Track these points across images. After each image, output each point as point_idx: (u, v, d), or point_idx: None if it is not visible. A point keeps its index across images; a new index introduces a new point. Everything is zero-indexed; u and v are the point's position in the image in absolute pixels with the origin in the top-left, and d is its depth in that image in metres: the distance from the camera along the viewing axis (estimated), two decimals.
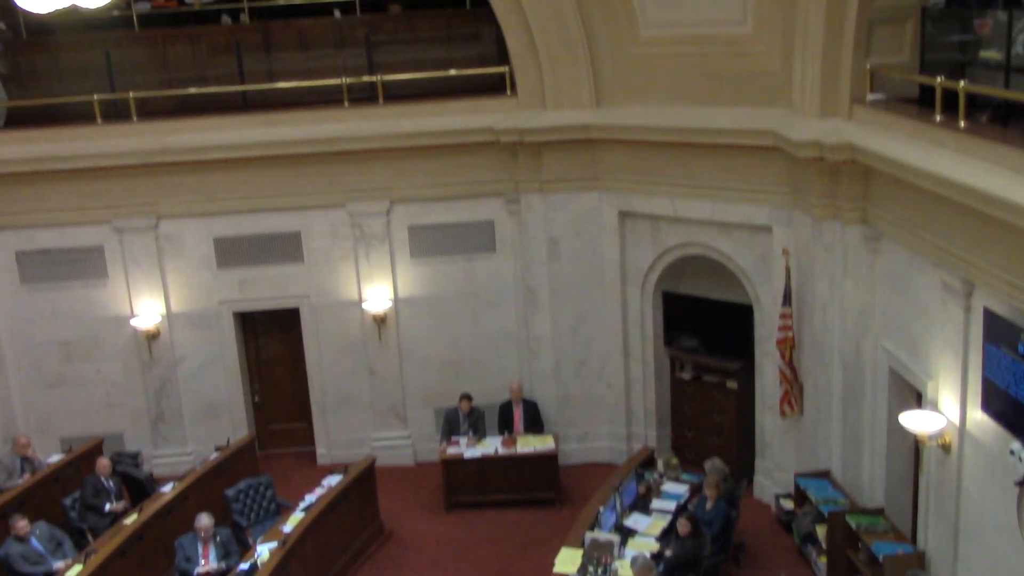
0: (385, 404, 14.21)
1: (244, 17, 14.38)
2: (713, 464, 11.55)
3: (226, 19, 14.47)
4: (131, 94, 13.28)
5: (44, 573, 10.76)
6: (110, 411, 14.21)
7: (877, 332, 10.49)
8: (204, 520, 10.70)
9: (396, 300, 13.87)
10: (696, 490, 11.64)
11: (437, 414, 14.05)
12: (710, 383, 13.33)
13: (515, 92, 13.11)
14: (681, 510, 11.17)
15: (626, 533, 10.87)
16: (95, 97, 13.24)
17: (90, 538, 11.63)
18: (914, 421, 9.13)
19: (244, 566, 10.31)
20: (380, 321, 13.80)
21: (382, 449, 14.06)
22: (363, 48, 13.81)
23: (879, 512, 10.54)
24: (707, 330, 13.41)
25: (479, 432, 13.34)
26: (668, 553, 10.37)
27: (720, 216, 12.06)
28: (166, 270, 13.74)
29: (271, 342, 14.60)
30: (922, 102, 9.66)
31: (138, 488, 12.68)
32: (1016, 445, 7.80)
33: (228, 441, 13.25)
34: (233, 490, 12.05)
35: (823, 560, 10.86)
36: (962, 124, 8.46)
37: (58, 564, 10.80)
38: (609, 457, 13.81)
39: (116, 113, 13.53)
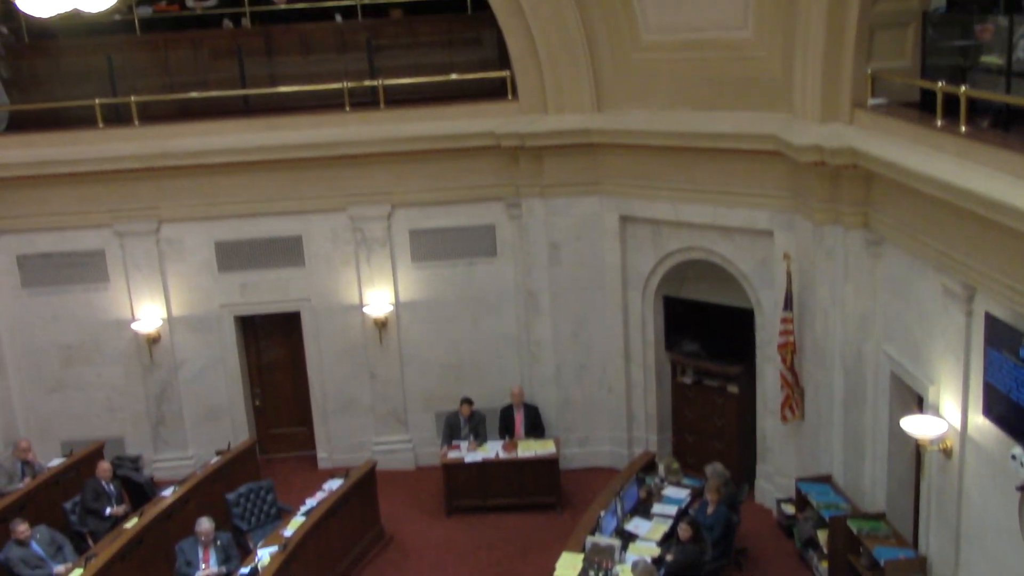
0: (386, 408, 14.21)
1: (246, 21, 14.40)
2: (714, 469, 11.54)
3: (228, 23, 14.49)
4: (133, 98, 13.30)
5: None
6: (111, 415, 14.21)
7: (878, 336, 10.49)
8: (205, 524, 10.69)
9: (397, 304, 13.87)
10: (697, 495, 11.63)
11: (438, 418, 14.05)
12: (711, 387, 13.32)
13: (516, 96, 13.12)
14: (682, 515, 11.15)
15: (627, 538, 10.86)
16: (97, 101, 13.24)
17: (90, 542, 11.62)
18: (915, 426, 9.12)
19: (245, 570, 10.29)
20: (381, 325, 13.80)
21: (383, 453, 14.06)
22: (364, 52, 13.82)
23: (880, 517, 10.53)
24: (708, 334, 13.40)
25: (480, 436, 13.33)
26: (669, 558, 10.35)
27: (721, 220, 12.06)
28: (167, 274, 13.74)
29: (272, 346, 14.60)
30: (923, 107, 9.66)
31: (139, 492, 12.67)
32: (1017, 450, 7.79)
33: (229, 445, 13.25)
34: (234, 494, 12.04)
35: (824, 565, 10.84)
36: (963, 129, 8.46)
37: (58, 568, 10.79)
38: (610, 461, 13.80)
39: (118, 117, 13.54)
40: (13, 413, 14.04)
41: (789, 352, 11.42)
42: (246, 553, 11.07)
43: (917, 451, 9.92)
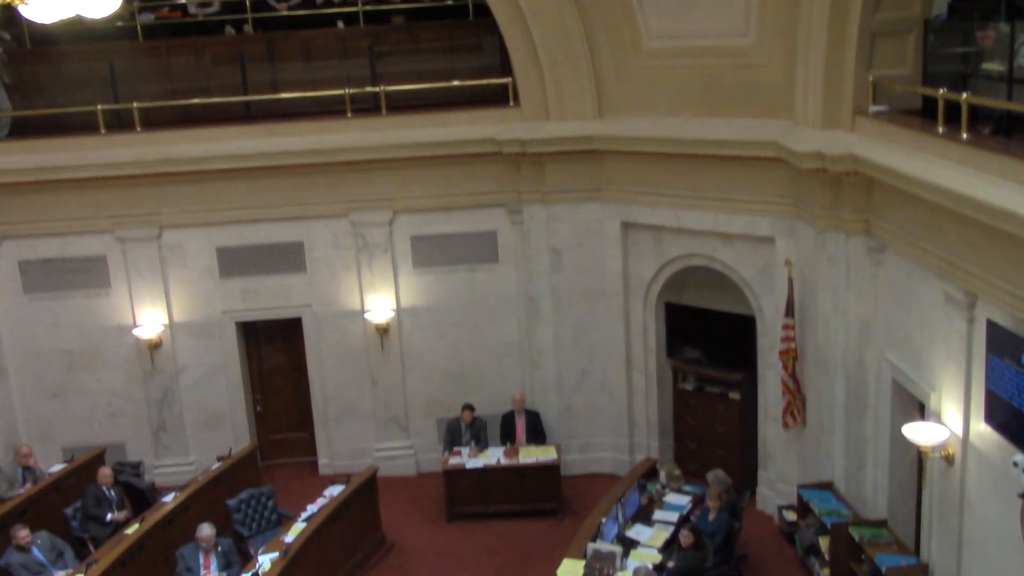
0: (387, 414, 14.20)
1: (248, 28, 14.42)
2: (715, 475, 11.53)
3: (230, 30, 14.52)
4: (135, 104, 13.32)
5: None
6: (112, 421, 14.21)
7: (880, 343, 10.48)
8: (205, 530, 10.69)
9: (398, 310, 13.87)
10: (698, 501, 11.62)
11: (439, 424, 14.04)
12: (712, 394, 13.32)
13: (518, 103, 13.14)
14: (683, 521, 11.15)
15: (628, 544, 10.85)
16: (99, 107, 13.27)
17: (91, 548, 11.61)
18: (917, 433, 9.11)
19: None
20: (382, 331, 13.80)
21: (384, 459, 14.05)
22: (366, 59, 13.85)
23: (882, 524, 10.52)
24: (710, 341, 13.40)
25: (481, 442, 13.32)
26: (670, 564, 10.34)
27: (723, 227, 12.07)
28: (168, 280, 13.75)
29: (273, 352, 14.60)
30: (925, 114, 9.68)
31: (140, 498, 12.68)
32: (1019, 457, 7.78)
33: (230, 451, 13.24)
34: (234, 500, 12.03)
35: (826, 572, 10.82)
36: (964, 136, 8.46)
37: (59, 574, 10.80)
38: (611, 468, 13.79)
39: (119, 123, 13.56)
40: (14, 418, 14.04)
41: (790, 359, 11.41)
42: (247, 559, 11.06)
43: (919, 458, 9.91)
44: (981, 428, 8.57)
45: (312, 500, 11.84)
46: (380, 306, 13.79)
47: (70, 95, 13.85)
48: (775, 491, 12.50)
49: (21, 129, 13.83)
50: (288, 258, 13.76)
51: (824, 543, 10.89)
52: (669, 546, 10.82)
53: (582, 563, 10.29)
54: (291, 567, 10.29)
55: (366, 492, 12.30)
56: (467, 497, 12.97)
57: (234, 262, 13.75)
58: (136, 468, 13.36)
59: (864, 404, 10.80)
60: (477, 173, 13.34)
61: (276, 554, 10.42)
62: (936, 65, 9.79)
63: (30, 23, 11.67)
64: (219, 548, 10.78)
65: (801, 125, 10.79)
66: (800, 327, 11.37)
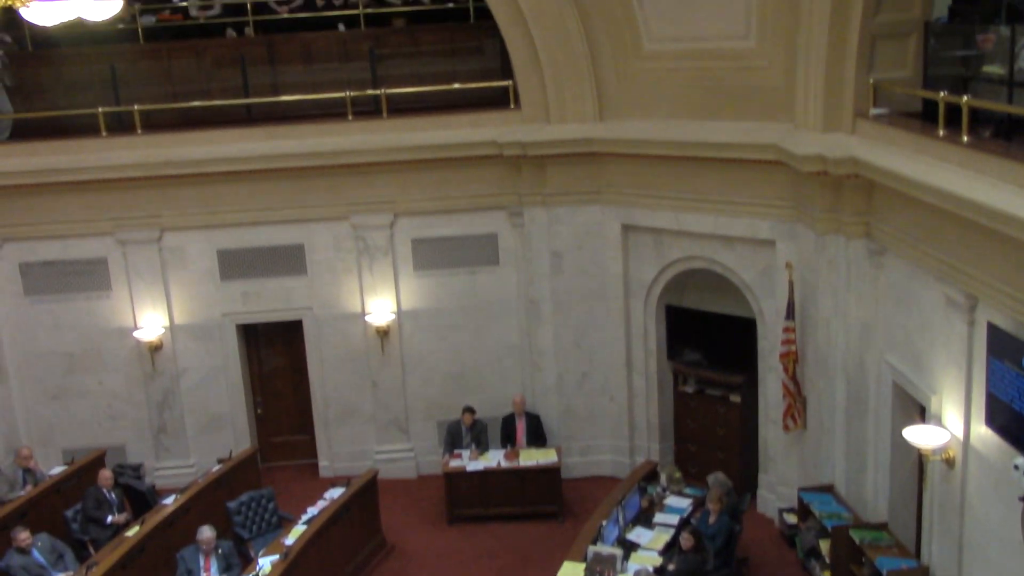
0: (388, 417, 14.20)
1: (249, 31, 14.44)
2: (716, 478, 11.53)
3: (231, 32, 14.54)
4: (136, 107, 13.34)
5: None
6: (112, 423, 14.21)
7: (881, 346, 10.48)
8: (206, 532, 10.68)
9: (399, 313, 13.87)
10: (699, 504, 11.61)
11: (440, 427, 14.04)
12: (713, 396, 13.31)
13: (519, 105, 13.14)
14: (684, 524, 11.14)
15: (629, 547, 10.84)
16: (100, 110, 13.29)
17: (92, 550, 11.61)
18: (918, 436, 9.11)
19: None
20: (383, 334, 13.80)
21: (384, 462, 14.05)
22: (367, 62, 13.86)
23: (883, 527, 10.51)
24: (710, 344, 13.40)
25: (482, 445, 13.32)
26: (671, 567, 10.34)
27: (723, 230, 12.07)
28: (169, 282, 13.75)
29: (274, 354, 14.60)
30: (925, 117, 9.67)
31: (140, 500, 12.68)
32: (1020, 460, 7.77)
33: (230, 453, 13.23)
34: (235, 503, 12.03)
35: (827, 575, 10.81)
36: (965, 139, 8.47)
37: None
38: (612, 470, 13.78)
39: (120, 126, 13.58)
40: (15, 421, 14.04)
41: (791, 361, 11.41)
42: (247, 562, 11.05)
43: (919, 461, 9.90)
44: (982, 431, 8.57)
45: (312, 503, 11.83)
46: (381, 309, 13.79)
47: (71, 98, 13.87)
48: (776, 494, 12.50)
49: (22, 131, 13.85)
50: (289, 261, 13.76)
51: (825, 546, 10.88)
52: (670, 549, 10.81)
53: (583, 566, 10.28)
54: (291, 570, 10.28)
55: (366, 495, 12.29)
56: (467, 500, 12.97)
57: (235, 264, 13.75)
58: (137, 470, 13.36)
59: (865, 407, 10.79)
60: (478, 176, 13.34)
61: (276, 556, 10.42)
62: (937, 68, 9.80)
63: (31, 26, 11.67)
64: (220, 550, 10.77)
65: (802, 128, 10.79)
66: (801, 330, 11.37)
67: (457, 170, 13.30)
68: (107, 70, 13.67)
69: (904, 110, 10.10)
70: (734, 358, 13.01)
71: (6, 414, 13.91)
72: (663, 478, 12.26)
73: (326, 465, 14.44)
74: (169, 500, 11.96)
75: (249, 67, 13.82)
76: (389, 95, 13.38)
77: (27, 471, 12.65)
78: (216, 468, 12.79)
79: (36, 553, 10.88)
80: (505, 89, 13.31)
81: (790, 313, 11.31)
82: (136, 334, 13.77)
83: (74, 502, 12.19)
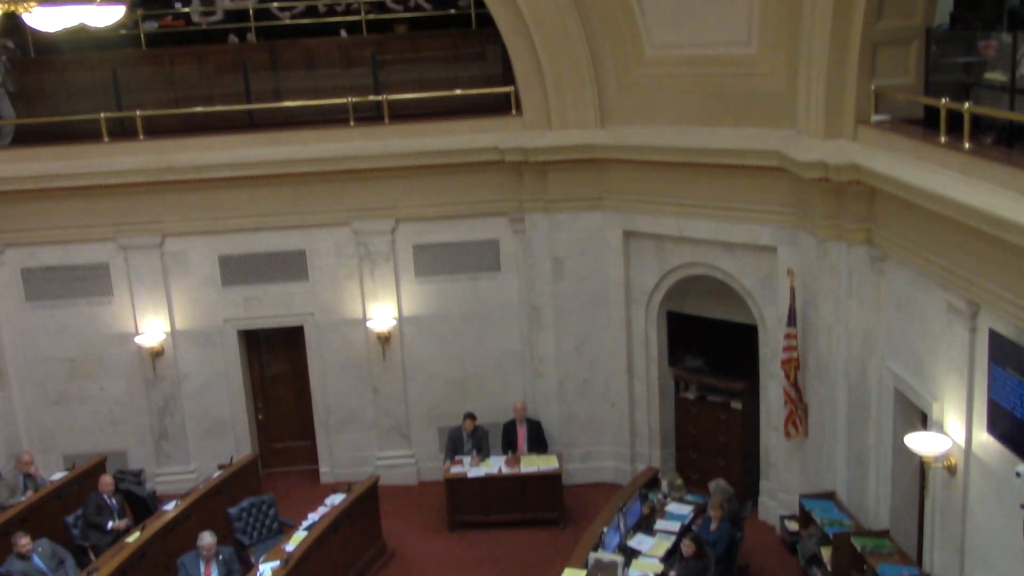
0: (389, 423, 14.19)
1: (251, 36, 14.47)
2: (717, 485, 11.51)
3: (233, 38, 14.56)
4: (138, 112, 13.35)
5: None
6: (113, 428, 14.21)
7: (882, 353, 10.47)
8: (206, 538, 10.67)
9: (400, 319, 13.87)
10: (700, 511, 11.59)
11: (441, 433, 14.02)
12: (714, 403, 13.30)
13: (520, 112, 13.15)
14: (685, 531, 11.12)
15: (630, 554, 10.82)
16: (102, 115, 13.30)
17: (92, 556, 11.60)
18: (919, 443, 9.09)
19: None
20: (384, 340, 13.80)
21: (385, 468, 14.04)
22: (369, 68, 13.88)
23: (884, 534, 10.49)
24: (711, 350, 13.39)
25: (483, 451, 13.31)
26: (672, 574, 10.32)
27: (724, 236, 12.07)
28: (171, 288, 13.76)
29: (275, 360, 14.60)
30: (927, 123, 9.68)
31: (141, 506, 12.66)
32: (1022, 467, 7.76)
33: (231, 459, 13.22)
34: (236, 508, 12.02)
35: None
36: (967, 145, 8.46)
37: None
38: (613, 477, 13.77)
39: (122, 131, 13.58)
40: (16, 426, 14.04)
41: (792, 368, 11.40)
42: (248, 568, 11.04)
43: (921, 468, 9.88)
44: (983, 438, 8.55)
45: (313, 508, 11.81)
46: (382, 315, 13.79)
47: (73, 103, 13.87)
48: (777, 501, 12.48)
49: (24, 137, 13.87)
50: (290, 266, 13.77)
51: (826, 553, 10.85)
52: (671, 556, 10.79)
53: (583, 572, 10.26)
54: None
55: (367, 501, 12.28)
56: (468, 506, 12.95)
57: (236, 270, 13.76)
58: (137, 476, 13.35)
59: (866, 414, 10.78)
60: (479, 182, 13.35)
61: (277, 563, 10.41)
62: (938, 75, 9.80)
63: (34, 31, 11.70)
64: (220, 556, 10.75)
65: (803, 134, 10.79)
66: (802, 336, 11.36)
67: (459, 176, 13.30)
68: (109, 76, 13.69)
69: (906, 117, 10.10)
70: (735, 364, 13.00)
71: (7, 419, 13.91)
72: (664, 485, 12.24)
73: (327, 471, 14.42)
74: (170, 506, 11.94)
75: (251, 73, 13.83)
76: (391, 101, 13.40)
77: (28, 476, 12.65)
78: (217, 474, 12.78)
79: (37, 559, 10.85)
80: (507, 95, 13.32)
81: (791, 320, 11.30)
82: (137, 339, 13.77)
83: (75, 508, 12.17)
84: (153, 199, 13.34)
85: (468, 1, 14.26)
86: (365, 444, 14.29)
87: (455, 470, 12.99)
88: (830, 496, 11.37)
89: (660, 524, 11.46)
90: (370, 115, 13.60)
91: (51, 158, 13.23)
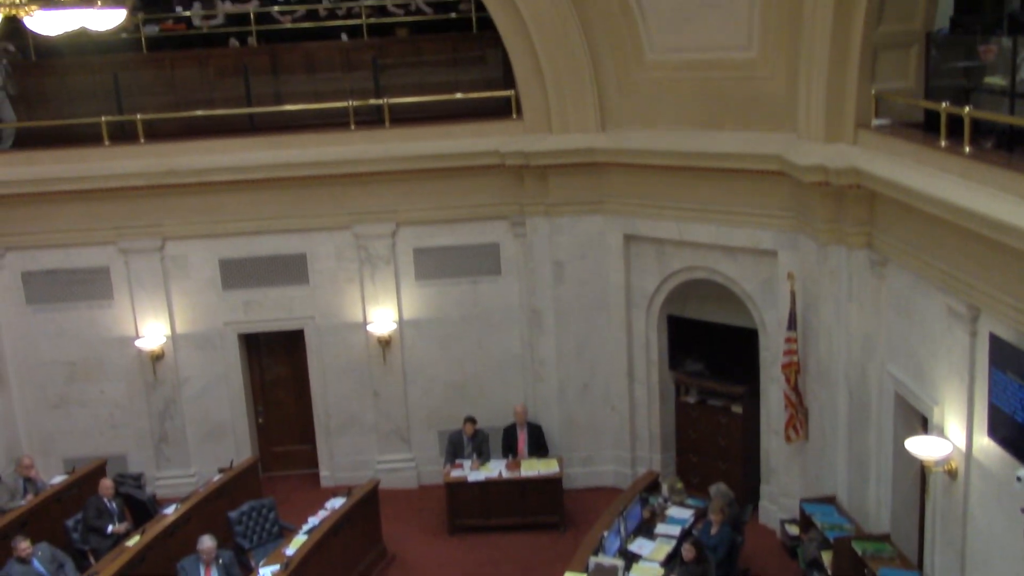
0: (389, 426, 14.18)
1: (252, 40, 14.49)
2: (718, 489, 11.50)
3: (234, 42, 14.58)
4: (138, 116, 13.36)
5: None
6: (114, 432, 14.20)
7: (883, 357, 10.46)
8: (206, 542, 10.66)
9: (401, 322, 13.87)
10: (701, 515, 11.59)
11: (441, 437, 14.01)
12: (715, 407, 13.30)
13: (521, 115, 13.16)
14: (686, 535, 11.12)
15: (630, 558, 10.81)
16: (103, 119, 13.31)
17: (92, 560, 11.59)
18: (920, 447, 9.08)
19: None
20: (385, 343, 13.80)
21: (386, 472, 14.03)
22: (370, 71, 13.89)
23: (885, 538, 10.48)
24: (712, 354, 13.39)
25: (483, 455, 13.30)
26: None
27: (725, 240, 12.07)
28: (171, 291, 13.76)
29: (275, 364, 14.60)
30: (927, 127, 9.67)
31: (141, 510, 12.66)
32: (1023, 471, 7.75)
33: (231, 463, 13.22)
34: (236, 512, 12.01)
35: None
36: (967, 149, 8.46)
37: None
38: (613, 481, 13.76)
39: (123, 135, 13.60)
40: (16, 429, 14.04)
41: (793, 372, 11.39)
42: (248, 571, 11.05)
43: (922, 472, 9.87)
44: (984, 442, 8.54)
45: (314, 512, 11.82)
46: (382, 318, 13.79)
47: (74, 107, 13.90)
48: (777, 505, 12.47)
49: (25, 140, 13.89)
50: (291, 270, 13.77)
51: (827, 557, 10.84)
52: (671, 560, 10.79)
53: None
54: None
55: (368, 504, 12.28)
56: (469, 510, 12.94)
57: (237, 274, 13.76)
58: (137, 480, 13.34)
59: (867, 418, 10.77)
60: (480, 185, 13.36)
61: (277, 566, 10.40)
62: (938, 79, 9.80)
63: (35, 35, 11.71)
64: (220, 560, 10.74)
65: (804, 138, 10.79)
66: (802, 340, 11.36)
67: (459, 180, 13.31)
68: (110, 79, 13.71)
69: (906, 121, 10.11)
70: (736, 368, 13.00)
71: (7, 423, 13.91)
72: (665, 489, 12.24)
73: (327, 475, 14.42)
74: (170, 510, 11.94)
75: (252, 77, 13.85)
76: (391, 105, 13.41)
77: (28, 480, 12.64)
78: (217, 478, 12.78)
79: (36, 563, 10.84)
80: (507, 99, 13.33)
81: (792, 323, 11.30)
82: (138, 343, 13.77)
83: (75, 511, 12.17)
84: (154, 202, 13.35)
85: (469, 5, 14.28)
86: (365, 448, 14.28)
87: (455, 474, 12.98)
88: (831, 500, 11.36)
89: (661, 528, 11.46)
90: (371, 119, 13.61)
91: (52, 161, 13.25)
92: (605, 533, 10.84)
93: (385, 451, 14.26)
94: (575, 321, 13.44)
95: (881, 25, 10.03)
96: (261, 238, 13.65)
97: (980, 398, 8.55)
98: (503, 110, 13.39)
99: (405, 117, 13.56)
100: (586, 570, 10.34)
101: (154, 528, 11.42)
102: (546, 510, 12.92)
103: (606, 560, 10.47)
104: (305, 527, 11.42)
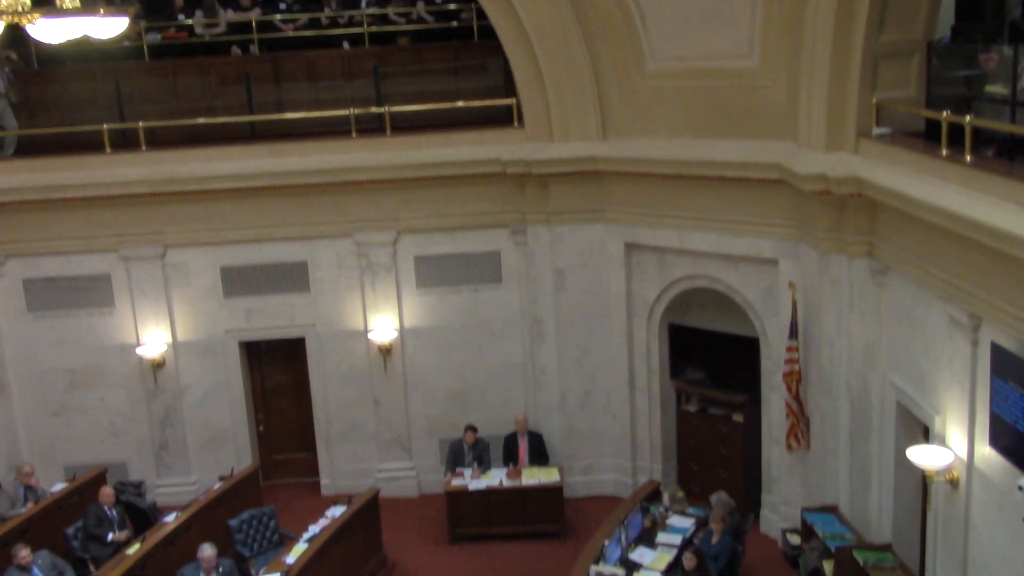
0: (390, 435, 14.17)
1: (254, 48, 14.51)
2: (719, 498, 11.48)
3: (236, 50, 14.60)
4: (140, 124, 13.38)
5: None
6: (114, 440, 14.19)
7: (884, 366, 10.45)
8: (207, 550, 10.64)
9: (402, 330, 13.87)
10: (702, 524, 11.56)
11: (442, 445, 13.99)
12: (716, 416, 13.27)
13: (522, 124, 13.17)
14: (687, 544, 11.09)
15: (631, 567, 10.79)
16: (104, 126, 13.32)
17: (92, 568, 11.57)
18: (922, 456, 9.07)
19: None
20: (385, 351, 13.79)
21: (386, 480, 14.01)
22: (371, 79, 13.91)
23: (887, 548, 10.45)
24: (713, 363, 13.37)
25: (484, 464, 13.28)
26: None
27: (726, 249, 12.06)
28: (172, 299, 13.76)
29: (276, 371, 14.59)
30: (928, 136, 9.69)
31: (141, 518, 12.63)
32: None
33: (232, 471, 13.21)
34: (236, 520, 11.99)
35: None
36: (968, 158, 8.48)
37: None
38: (614, 490, 13.73)
39: (125, 142, 13.61)
40: (16, 437, 14.03)
41: (794, 381, 11.38)
42: None
43: (923, 481, 9.85)
44: (986, 452, 8.53)
45: (314, 521, 11.79)
46: (383, 326, 13.78)
47: (76, 114, 13.92)
48: (779, 514, 12.44)
49: (27, 148, 13.89)
50: (292, 278, 13.77)
51: (828, 567, 10.81)
52: (672, 569, 10.76)
53: None
54: None
55: (368, 513, 12.26)
56: (469, 519, 12.92)
57: (238, 281, 13.76)
58: (138, 488, 13.32)
59: (868, 427, 10.76)
60: (481, 193, 13.36)
61: (277, 575, 10.39)
62: (939, 87, 9.82)
63: (38, 43, 11.74)
64: (220, 569, 10.73)
65: (805, 147, 10.80)
66: (804, 349, 11.35)
67: (460, 188, 13.31)
68: (112, 87, 13.73)
69: (907, 129, 10.12)
70: (737, 377, 12.98)
71: (8, 430, 13.90)
72: (666, 498, 12.21)
73: (328, 483, 14.40)
74: (170, 517, 11.92)
75: (254, 84, 13.86)
76: (393, 113, 13.42)
77: (28, 488, 12.63)
78: (217, 485, 12.76)
79: (36, 571, 10.83)
80: (508, 107, 13.35)
81: (793, 332, 11.29)
82: (138, 351, 13.77)
83: (75, 519, 12.15)
84: (155, 210, 13.36)
85: (470, 13, 14.30)
86: (366, 456, 14.26)
87: (456, 482, 12.96)
88: (832, 509, 11.33)
89: (661, 537, 11.42)
90: (372, 127, 13.63)
91: (53, 169, 13.26)
92: (606, 542, 10.82)
93: (386, 459, 14.24)
94: (576, 329, 13.43)
95: (882, 34, 10.05)
96: (262, 246, 13.65)
97: (981, 407, 8.54)
98: (504, 118, 13.41)
99: (406, 125, 13.57)
100: None
101: (154, 536, 11.40)
102: (547, 519, 12.89)
103: (607, 569, 10.45)
104: (305, 535, 11.39)
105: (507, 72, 13.30)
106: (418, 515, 13.71)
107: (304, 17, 14.63)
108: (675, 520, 11.78)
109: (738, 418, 13.04)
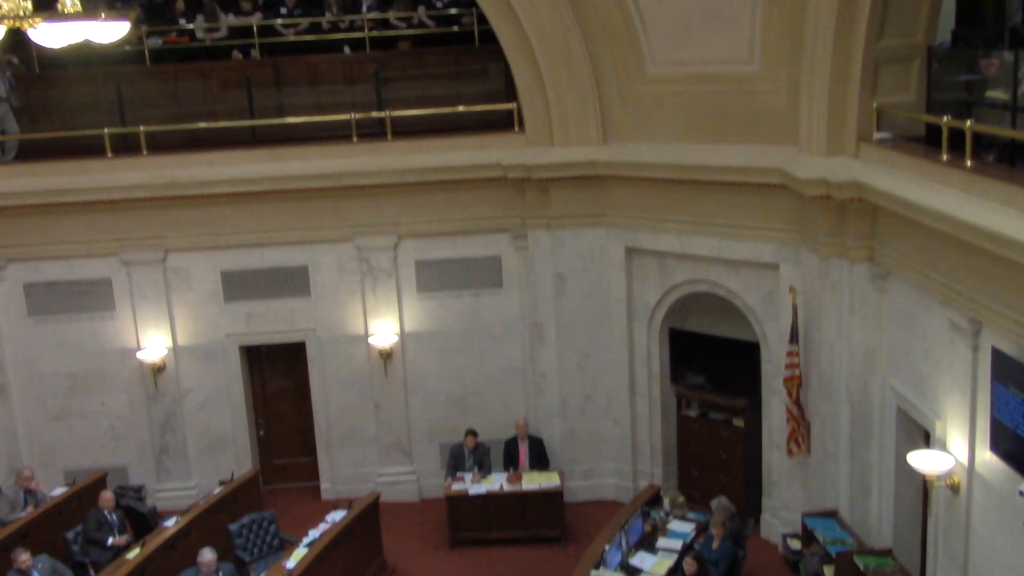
0: (390, 439, 14.16)
1: (255, 53, 14.52)
2: (720, 503, 11.48)
3: (237, 55, 14.61)
4: (141, 128, 13.39)
5: None
6: (115, 444, 14.19)
7: (885, 371, 10.45)
8: (207, 555, 10.63)
9: (402, 335, 13.86)
10: (702, 529, 11.56)
11: (442, 450, 13.99)
12: (717, 420, 13.27)
13: (523, 128, 13.18)
14: (687, 549, 11.08)
15: (632, 572, 10.79)
16: (105, 131, 13.32)
17: (92, 572, 11.57)
18: (922, 461, 9.06)
19: None
20: (386, 356, 13.79)
21: (387, 484, 14.00)
22: (372, 84, 13.92)
23: (887, 553, 10.44)
24: (714, 367, 13.37)
25: (484, 468, 13.27)
26: None
27: (727, 253, 12.06)
28: (173, 303, 13.76)
29: (277, 376, 14.59)
30: (929, 141, 9.69)
31: (141, 522, 12.63)
32: None
33: (232, 475, 13.20)
34: (236, 525, 11.98)
35: None
36: (968, 163, 8.48)
37: None
38: (615, 495, 13.72)
39: (126, 147, 13.61)
40: (17, 441, 14.03)
41: (795, 385, 11.38)
42: None
43: (924, 487, 9.85)
44: (987, 457, 8.52)
45: (314, 525, 11.79)
46: (384, 331, 13.78)
47: (77, 118, 13.92)
48: (779, 519, 12.43)
49: (28, 152, 13.92)
50: (293, 282, 13.78)
51: (829, 572, 10.79)
52: (673, 574, 10.75)
53: None
54: None
55: (368, 517, 12.25)
56: (469, 523, 12.91)
57: (239, 286, 13.77)
58: (138, 492, 13.32)
59: (869, 432, 10.75)
60: (482, 198, 13.37)
61: None
62: (940, 93, 9.83)
63: (39, 47, 11.75)
64: (220, 573, 10.71)
65: (805, 152, 10.80)
66: (804, 354, 11.34)
67: (461, 192, 13.32)
68: (113, 91, 13.74)
69: (907, 134, 10.12)
70: (738, 382, 12.98)
71: (8, 434, 13.90)
72: (666, 502, 12.21)
73: (328, 487, 14.39)
74: (170, 522, 11.92)
75: (255, 89, 13.88)
76: (394, 117, 13.43)
77: (28, 492, 12.62)
78: (218, 490, 12.76)
79: (36, 575, 10.82)
80: (509, 112, 13.36)
81: (794, 337, 11.29)
82: (139, 355, 13.77)
83: (75, 524, 12.14)
84: (156, 214, 13.36)
85: (471, 18, 14.31)
86: (366, 460, 14.26)
87: (456, 487, 12.95)
88: (832, 514, 11.32)
89: (662, 542, 11.42)
90: (373, 131, 13.63)
91: (55, 173, 13.27)
92: (606, 547, 10.82)
93: (386, 464, 14.23)
94: (576, 334, 13.43)
95: (882, 39, 10.05)
96: (263, 250, 13.66)
97: (982, 412, 8.53)
98: (505, 123, 13.41)
99: (407, 130, 13.58)
100: None
101: (154, 541, 11.39)
102: (547, 523, 12.88)
103: (607, 574, 10.45)
104: (306, 540, 11.39)
105: (508, 77, 13.31)
106: (418, 519, 13.71)
107: (305, 22, 14.65)
108: (676, 525, 11.78)
109: (739, 423, 13.03)
